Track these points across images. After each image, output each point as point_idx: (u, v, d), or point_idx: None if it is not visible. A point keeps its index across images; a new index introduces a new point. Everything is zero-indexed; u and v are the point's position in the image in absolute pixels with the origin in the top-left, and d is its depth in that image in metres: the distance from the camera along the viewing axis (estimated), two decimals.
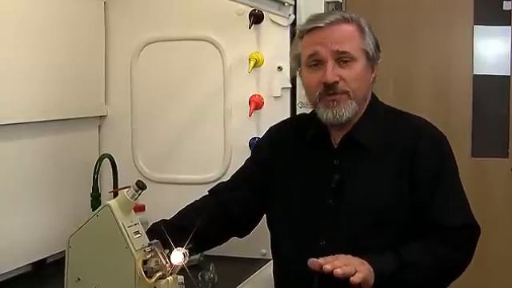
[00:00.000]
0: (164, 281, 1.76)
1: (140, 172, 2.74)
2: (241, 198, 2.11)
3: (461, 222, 1.90)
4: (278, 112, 2.57)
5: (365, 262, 1.75)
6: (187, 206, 2.15)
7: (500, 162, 3.14)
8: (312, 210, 1.96)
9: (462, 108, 3.15)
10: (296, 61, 2.01)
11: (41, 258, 2.43)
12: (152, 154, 2.76)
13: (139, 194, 1.80)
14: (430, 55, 3.17)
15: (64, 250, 1.85)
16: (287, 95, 2.60)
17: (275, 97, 2.60)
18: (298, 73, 2.04)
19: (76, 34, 2.57)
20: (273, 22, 2.58)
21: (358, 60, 1.92)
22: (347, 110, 1.91)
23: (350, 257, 1.75)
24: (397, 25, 3.13)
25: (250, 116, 2.58)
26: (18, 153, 2.31)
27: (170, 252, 1.78)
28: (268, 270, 2.31)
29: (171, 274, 1.78)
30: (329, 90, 1.90)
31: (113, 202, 1.79)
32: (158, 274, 1.75)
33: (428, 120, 2.03)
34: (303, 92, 2.47)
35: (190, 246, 1.80)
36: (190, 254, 1.80)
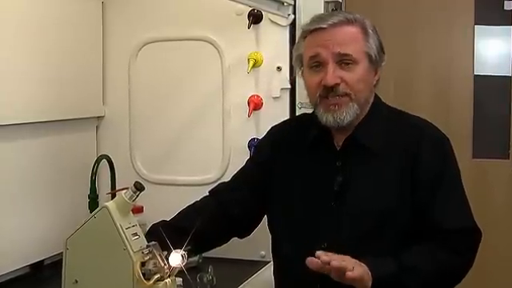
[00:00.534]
0: (162, 283, 1.76)
1: (138, 173, 2.74)
2: (241, 199, 2.11)
3: (462, 225, 1.90)
4: (277, 113, 2.57)
5: (362, 264, 1.76)
6: (187, 207, 2.15)
7: (501, 164, 3.15)
8: (313, 211, 1.95)
9: (463, 109, 3.15)
10: (298, 61, 2.01)
11: (38, 260, 2.43)
12: (150, 155, 2.76)
13: (137, 196, 1.80)
14: (430, 55, 3.17)
15: (61, 252, 1.86)
16: (286, 96, 2.60)
17: (274, 97, 2.60)
18: (300, 73, 2.03)
19: (74, 34, 2.57)
20: (272, 21, 2.58)
21: (359, 63, 1.91)
22: (348, 114, 1.90)
23: (348, 257, 1.75)
24: (397, 25, 3.13)
25: (248, 117, 2.58)
26: (15, 154, 2.31)
27: (169, 254, 1.78)
28: (267, 271, 2.31)
29: (169, 276, 1.78)
30: (329, 92, 1.89)
31: (111, 204, 1.80)
32: (156, 276, 1.75)
33: (430, 121, 2.03)
34: (303, 93, 2.49)
35: (190, 247, 1.81)
36: (189, 256, 1.81)
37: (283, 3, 2.48)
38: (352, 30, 1.92)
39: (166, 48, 2.71)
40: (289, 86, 2.59)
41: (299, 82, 2.54)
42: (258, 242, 2.31)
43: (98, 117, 2.79)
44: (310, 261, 1.72)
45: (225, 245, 2.19)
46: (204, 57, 2.66)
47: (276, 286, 2.10)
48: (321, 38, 1.91)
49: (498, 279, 3.11)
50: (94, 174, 2.45)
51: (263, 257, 2.54)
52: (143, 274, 1.74)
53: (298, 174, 2.02)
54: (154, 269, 1.76)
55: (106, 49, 2.78)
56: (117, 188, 2.45)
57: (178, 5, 2.69)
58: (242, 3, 2.29)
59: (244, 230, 2.17)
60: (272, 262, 2.18)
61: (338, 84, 1.89)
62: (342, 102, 1.90)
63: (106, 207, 1.79)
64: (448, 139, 1.99)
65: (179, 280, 1.90)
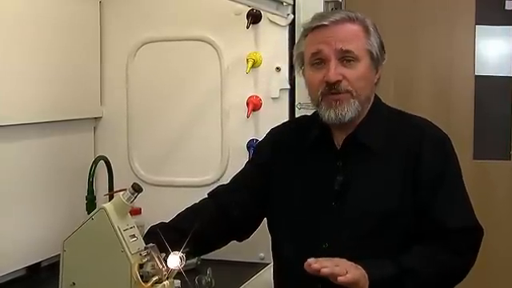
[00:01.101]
0: (160, 285, 1.76)
1: (136, 174, 2.74)
2: (241, 201, 2.11)
3: (463, 223, 1.90)
4: (276, 113, 2.57)
5: (359, 266, 1.76)
6: (186, 209, 2.14)
7: (502, 165, 3.14)
8: (314, 212, 1.96)
9: (464, 109, 3.14)
10: (299, 59, 2.02)
11: (35, 262, 2.44)
12: (148, 156, 2.76)
13: (135, 197, 1.80)
14: (430, 55, 3.16)
15: (59, 254, 1.86)
16: (286, 96, 2.60)
17: (273, 98, 2.60)
18: (301, 72, 2.04)
19: (71, 35, 2.58)
20: (271, 21, 2.59)
21: (361, 60, 1.92)
22: (350, 110, 1.91)
23: (344, 260, 1.75)
24: (397, 24, 3.13)
25: (247, 117, 2.58)
26: (12, 155, 2.31)
27: (167, 256, 1.78)
28: (266, 274, 2.32)
29: (168, 279, 1.78)
30: (331, 89, 1.90)
31: (108, 205, 1.80)
32: (154, 279, 1.75)
33: (431, 121, 2.03)
34: (302, 93, 2.50)
35: (189, 249, 1.81)
36: (188, 258, 1.81)
37: (282, 3, 2.49)
38: (354, 28, 1.94)
39: (165, 48, 2.71)
40: (288, 87, 2.59)
41: (298, 82, 2.55)
42: (257, 244, 2.31)
43: (96, 117, 2.79)
44: (307, 265, 1.73)
45: (224, 247, 2.19)
46: (202, 57, 2.67)
47: (276, 287, 2.10)
48: (323, 34, 1.93)
49: (499, 281, 3.11)
50: (92, 175, 2.45)
51: (262, 259, 2.54)
52: (141, 277, 1.74)
53: (298, 175, 2.03)
54: (152, 271, 1.76)
55: (104, 49, 2.78)
56: (114, 189, 2.45)
57: (176, 4, 2.69)
58: (241, 3, 2.29)
59: (243, 233, 2.17)
60: (271, 264, 2.18)
61: (339, 81, 1.90)
62: (344, 98, 1.91)
63: (104, 209, 1.79)
64: (449, 139, 2.00)
65: (177, 282, 1.89)
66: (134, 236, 1.80)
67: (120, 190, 1.83)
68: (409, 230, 1.89)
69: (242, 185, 2.16)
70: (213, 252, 2.20)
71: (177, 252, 1.78)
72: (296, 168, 2.04)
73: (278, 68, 2.59)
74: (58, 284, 1.83)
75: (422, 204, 1.90)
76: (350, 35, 1.93)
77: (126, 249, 1.75)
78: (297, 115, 2.57)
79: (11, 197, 2.31)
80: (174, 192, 2.68)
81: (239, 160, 2.49)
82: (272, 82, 2.60)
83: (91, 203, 2.44)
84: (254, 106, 2.59)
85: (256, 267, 2.49)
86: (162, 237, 1.84)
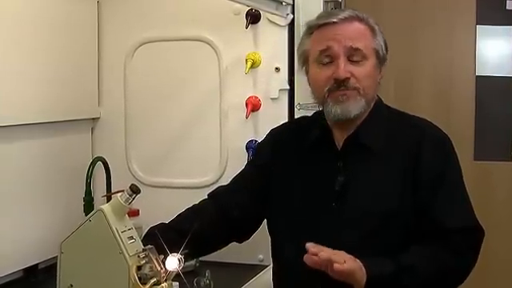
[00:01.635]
0: (159, 287, 1.76)
1: (134, 175, 2.74)
2: (241, 202, 2.12)
3: (463, 224, 1.91)
4: (275, 114, 2.57)
5: (357, 260, 1.76)
6: (186, 210, 2.15)
7: (504, 166, 3.14)
8: (314, 212, 1.97)
9: (465, 110, 3.14)
10: (303, 58, 2.02)
11: (32, 264, 2.44)
12: (146, 157, 2.76)
13: (133, 199, 1.80)
14: (431, 55, 3.16)
15: (56, 256, 1.86)
16: (285, 97, 2.61)
17: (272, 98, 2.60)
18: (303, 69, 2.04)
19: (68, 35, 2.58)
20: (270, 21, 2.59)
21: (369, 58, 1.94)
22: (356, 107, 1.92)
23: (341, 252, 1.76)
24: (397, 24, 3.12)
25: (246, 118, 2.59)
26: (9, 155, 2.31)
27: (165, 258, 1.78)
28: (266, 275, 2.32)
29: (166, 281, 1.78)
30: (340, 87, 1.91)
31: (106, 207, 1.80)
32: (152, 281, 1.75)
33: (431, 122, 2.04)
34: (301, 93, 2.50)
35: (188, 250, 1.81)
36: (186, 260, 1.81)
37: (282, 3, 2.49)
38: (361, 27, 1.96)
39: (163, 48, 2.71)
40: (287, 87, 2.60)
41: (298, 82, 2.55)
42: (257, 246, 2.31)
43: (94, 118, 2.79)
44: (306, 257, 1.73)
45: (223, 249, 2.19)
46: (201, 57, 2.67)
47: None
48: (331, 32, 1.94)
49: (500, 283, 3.11)
50: (89, 176, 2.44)
51: (261, 261, 2.54)
52: (139, 278, 1.75)
53: (298, 175, 2.04)
54: (151, 273, 1.76)
55: (102, 49, 2.78)
56: (112, 191, 2.45)
57: (174, 4, 2.70)
58: (240, 3, 2.29)
59: (243, 234, 2.17)
60: (271, 266, 2.18)
61: (348, 78, 1.91)
62: (351, 94, 1.92)
63: (102, 210, 1.79)
64: (449, 139, 2.01)
65: (176, 284, 1.90)
66: (132, 238, 1.80)
67: (118, 192, 1.83)
68: (409, 230, 1.90)
69: (242, 186, 2.16)
70: (211, 254, 2.20)
71: (175, 254, 1.78)
72: (296, 168, 2.05)
73: (277, 68, 2.59)
74: (56, 286, 1.84)
75: (421, 204, 1.90)
76: (358, 34, 1.94)
77: (124, 251, 1.76)
78: (296, 116, 2.57)
79: (8, 198, 2.31)
80: (173, 193, 2.68)
81: (238, 161, 2.49)
82: (271, 82, 2.60)
83: (89, 204, 2.43)
84: (253, 106, 2.60)
85: (255, 269, 2.49)
86: (161, 238, 1.84)
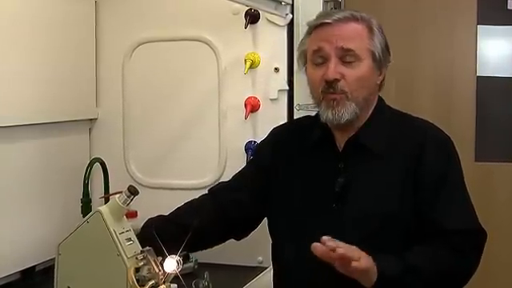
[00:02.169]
0: None
1: (132, 177, 2.75)
2: (240, 201, 2.12)
3: (466, 226, 1.91)
4: (274, 115, 2.58)
5: (370, 257, 1.76)
6: (185, 204, 2.16)
7: (505, 167, 3.14)
8: (314, 213, 1.97)
9: (465, 110, 3.14)
10: (302, 57, 2.03)
11: (30, 266, 2.44)
12: (144, 158, 2.77)
13: (131, 200, 1.81)
14: (431, 56, 3.16)
15: (53, 258, 1.86)
16: (284, 97, 2.61)
17: (272, 99, 2.61)
18: (304, 69, 2.04)
19: (66, 35, 2.58)
20: (269, 21, 2.59)
21: (362, 60, 1.93)
22: (346, 112, 1.92)
23: (354, 247, 1.74)
24: (397, 24, 3.13)
25: (245, 119, 2.59)
26: (6, 156, 2.31)
27: (164, 259, 1.79)
28: (265, 277, 2.32)
29: (164, 283, 1.79)
30: (329, 88, 1.91)
31: (104, 208, 1.80)
32: (150, 283, 1.76)
33: (433, 123, 2.04)
34: (301, 94, 2.50)
35: (185, 244, 1.82)
36: (185, 262, 1.82)
37: (281, 2, 2.49)
38: (357, 27, 1.95)
39: (161, 48, 2.72)
40: (287, 88, 2.60)
41: (297, 83, 2.55)
42: (256, 248, 2.32)
43: (91, 119, 2.79)
44: (315, 246, 1.71)
45: (221, 250, 2.20)
46: (200, 57, 2.67)
47: None
48: (325, 32, 1.94)
49: (502, 284, 3.11)
50: (87, 177, 2.45)
51: (261, 262, 2.54)
52: (137, 281, 1.75)
53: (298, 175, 2.04)
54: (149, 275, 1.76)
55: (100, 49, 2.78)
56: (110, 192, 2.46)
57: (173, 4, 2.70)
58: (239, 2, 2.29)
59: (241, 232, 2.18)
60: (270, 268, 2.18)
61: (337, 80, 1.91)
62: (340, 99, 1.92)
63: (99, 212, 1.79)
64: (452, 141, 2.00)
65: (174, 286, 1.90)
66: (130, 239, 1.80)
67: (116, 193, 1.84)
68: (409, 232, 1.90)
69: (243, 184, 2.17)
70: (210, 256, 2.21)
71: (173, 256, 1.79)
72: (297, 168, 2.05)
73: (276, 69, 2.60)
74: None
75: (423, 205, 1.90)
76: (352, 34, 1.93)
77: (122, 252, 1.76)
78: (295, 116, 2.57)
79: (5, 199, 2.31)
80: (171, 195, 2.68)
81: (237, 162, 2.50)
82: (270, 82, 2.60)
83: (86, 206, 2.44)
84: (252, 107, 2.60)
85: (254, 271, 2.49)
86: (159, 232, 1.87)
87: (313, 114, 2.16)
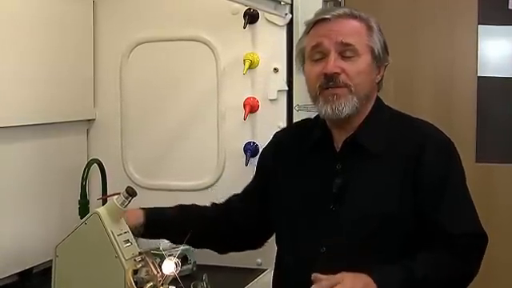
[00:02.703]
0: None
1: (130, 178, 2.75)
2: (247, 209, 2.15)
3: (467, 229, 1.90)
4: (273, 115, 2.58)
5: (368, 279, 1.75)
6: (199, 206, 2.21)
7: (506, 168, 3.14)
8: (313, 215, 1.97)
9: (466, 111, 3.14)
10: (300, 56, 2.03)
11: (27, 268, 2.44)
12: (143, 160, 2.77)
13: (129, 201, 1.81)
14: (432, 56, 3.16)
15: (51, 260, 1.87)
16: (283, 98, 2.61)
17: (271, 100, 2.61)
18: (301, 69, 2.04)
19: (64, 35, 2.58)
20: (268, 21, 2.59)
21: (362, 55, 1.93)
22: (347, 106, 1.91)
23: (351, 278, 1.74)
24: (397, 24, 3.13)
25: (244, 120, 2.59)
26: (2, 158, 2.32)
27: (162, 262, 1.79)
28: (264, 279, 2.32)
29: (163, 285, 1.79)
30: (329, 82, 1.91)
31: (102, 210, 1.81)
32: (148, 285, 1.76)
33: (433, 124, 2.04)
34: (300, 94, 2.50)
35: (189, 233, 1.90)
36: (183, 264, 1.82)
37: (280, 2, 2.49)
38: (356, 24, 1.96)
39: (159, 48, 2.72)
40: (286, 88, 2.60)
41: (297, 83, 2.55)
42: (255, 250, 2.32)
43: (89, 120, 2.80)
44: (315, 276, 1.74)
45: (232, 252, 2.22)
46: (198, 58, 2.67)
47: None
48: (324, 28, 1.94)
49: (503, 286, 3.11)
50: (85, 178, 2.45)
51: (259, 264, 2.55)
52: (135, 283, 1.75)
53: (297, 176, 2.04)
54: (147, 277, 1.76)
55: (97, 49, 2.78)
56: (108, 193, 2.45)
57: (171, 4, 2.70)
58: (238, 2, 2.30)
59: (252, 238, 2.20)
60: (269, 270, 2.19)
61: (338, 73, 1.91)
62: (341, 93, 1.91)
63: (97, 213, 1.80)
64: (453, 142, 2.00)
65: None
66: (128, 241, 1.81)
67: (114, 194, 1.84)
68: (408, 233, 1.90)
69: (250, 194, 2.20)
70: (209, 257, 2.21)
71: (172, 257, 1.79)
72: (296, 170, 2.06)
73: (275, 69, 2.60)
74: None
75: (423, 206, 1.90)
76: (351, 30, 1.94)
77: (120, 254, 1.76)
78: (295, 117, 2.57)
79: (1, 200, 2.31)
80: (169, 196, 2.68)
81: (236, 163, 2.50)
82: (270, 83, 2.61)
83: (84, 207, 2.44)
84: (251, 107, 2.60)
85: (253, 273, 2.49)
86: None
87: (313, 114, 2.16)
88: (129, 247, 1.80)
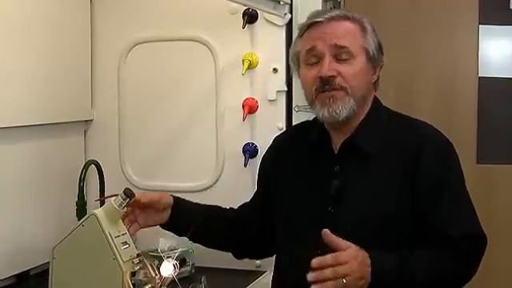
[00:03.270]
0: None
1: (128, 179, 2.75)
2: (259, 219, 2.15)
3: (465, 231, 1.90)
4: (272, 116, 2.58)
5: (365, 259, 1.77)
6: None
7: (507, 169, 3.14)
8: (311, 217, 1.97)
9: (467, 112, 3.14)
10: (295, 59, 2.03)
11: (24, 270, 2.44)
12: (140, 161, 2.77)
13: (127, 203, 1.81)
14: (432, 56, 3.16)
15: (48, 262, 1.87)
16: (283, 98, 2.61)
17: (270, 100, 2.61)
18: (296, 73, 2.05)
19: (61, 35, 2.58)
20: (268, 21, 2.60)
21: (357, 57, 1.94)
22: (344, 108, 1.92)
23: (350, 259, 1.76)
24: (397, 25, 3.13)
25: (243, 120, 2.59)
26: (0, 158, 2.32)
27: (160, 264, 1.79)
28: (262, 282, 2.32)
29: (161, 287, 1.79)
30: (325, 85, 1.91)
31: (99, 211, 1.81)
32: (147, 287, 1.76)
33: (432, 125, 2.04)
34: (299, 95, 2.50)
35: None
36: (181, 266, 1.82)
37: (279, 2, 2.49)
38: (349, 25, 1.96)
39: (157, 49, 2.72)
40: (285, 89, 2.60)
41: (296, 84, 2.55)
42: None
43: (86, 120, 2.80)
44: (325, 233, 1.77)
45: (218, 254, 2.20)
46: (197, 58, 2.68)
47: None
48: (318, 31, 1.95)
49: (502, 287, 3.11)
50: (82, 180, 2.45)
51: (258, 267, 2.55)
52: (133, 285, 1.75)
53: (296, 178, 2.05)
54: (145, 279, 1.77)
55: (95, 49, 2.79)
56: (106, 195, 2.46)
57: (169, 4, 2.70)
58: (237, 2, 2.30)
59: (259, 248, 2.20)
60: (268, 272, 2.19)
61: (333, 76, 1.91)
62: (338, 95, 1.92)
63: (95, 215, 1.80)
64: (451, 143, 2.00)
65: None
66: (125, 243, 1.81)
67: (111, 196, 1.84)
68: (407, 234, 1.90)
69: (255, 201, 2.21)
70: (207, 259, 2.21)
71: (170, 259, 1.79)
72: (294, 172, 2.06)
73: (274, 69, 2.60)
74: None
75: (421, 207, 1.90)
76: (345, 32, 1.94)
77: (118, 256, 1.76)
78: (294, 118, 2.58)
79: None
80: None
81: (235, 164, 2.50)
82: (269, 83, 2.61)
83: (82, 209, 2.44)
84: (250, 108, 2.60)
85: (252, 275, 2.49)
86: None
87: (312, 115, 2.15)
88: (127, 249, 1.80)
